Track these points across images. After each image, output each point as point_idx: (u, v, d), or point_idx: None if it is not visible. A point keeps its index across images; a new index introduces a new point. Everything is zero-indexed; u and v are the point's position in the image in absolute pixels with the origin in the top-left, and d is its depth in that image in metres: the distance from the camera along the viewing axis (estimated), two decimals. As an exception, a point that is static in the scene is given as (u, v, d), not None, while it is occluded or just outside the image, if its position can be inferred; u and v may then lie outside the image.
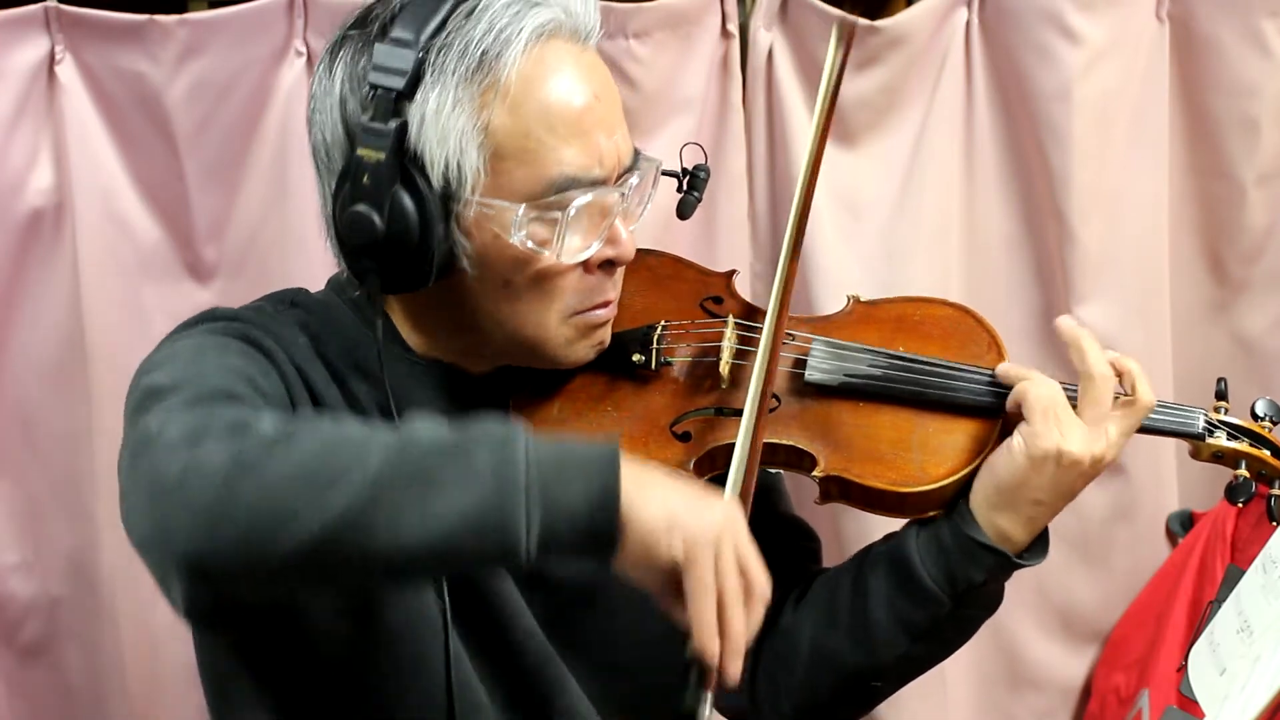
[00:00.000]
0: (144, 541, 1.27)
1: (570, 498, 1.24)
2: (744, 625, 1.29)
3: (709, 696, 1.27)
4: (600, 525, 1.25)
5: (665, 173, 1.56)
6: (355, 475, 1.22)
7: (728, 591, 1.28)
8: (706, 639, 1.28)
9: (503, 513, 1.22)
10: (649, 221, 1.55)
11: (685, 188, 1.58)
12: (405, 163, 1.41)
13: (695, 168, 1.58)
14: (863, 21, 2.19)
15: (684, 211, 1.58)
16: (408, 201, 1.41)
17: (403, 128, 1.41)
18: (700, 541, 1.27)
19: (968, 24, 2.26)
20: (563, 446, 1.27)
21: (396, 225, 1.40)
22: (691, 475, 1.50)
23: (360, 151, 1.40)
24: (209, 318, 1.51)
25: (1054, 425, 1.47)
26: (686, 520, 1.27)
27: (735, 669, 1.29)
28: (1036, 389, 1.49)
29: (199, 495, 1.22)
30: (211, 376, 1.37)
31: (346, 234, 1.42)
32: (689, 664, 1.29)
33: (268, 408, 1.37)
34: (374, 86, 1.40)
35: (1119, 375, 1.52)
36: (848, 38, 1.63)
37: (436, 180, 1.42)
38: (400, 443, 1.25)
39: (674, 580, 1.28)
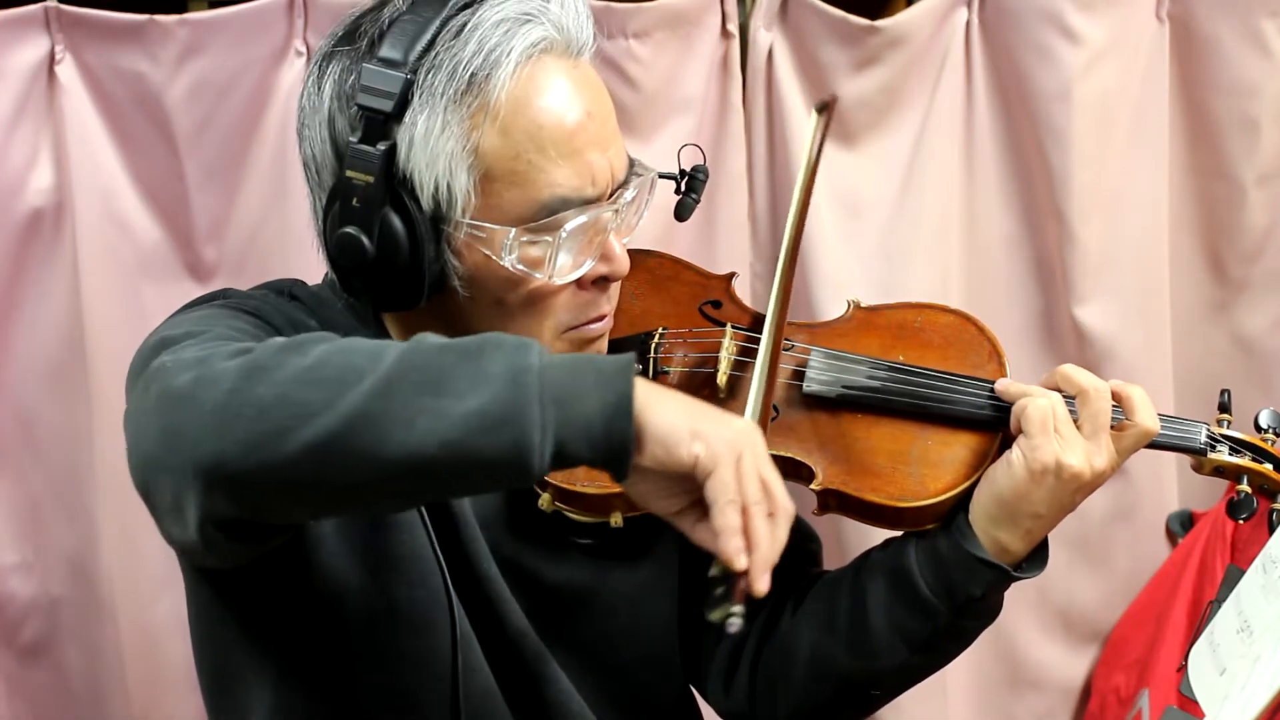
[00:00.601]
0: (152, 460, 1.25)
1: (585, 405, 1.21)
2: (770, 536, 1.23)
3: (740, 609, 1.21)
4: (615, 433, 1.21)
5: (663, 175, 1.55)
6: (368, 374, 1.20)
7: (751, 498, 1.23)
8: (733, 547, 1.22)
9: (516, 415, 1.19)
10: (649, 222, 1.55)
11: (683, 190, 1.57)
12: (394, 185, 1.40)
13: (694, 169, 1.57)
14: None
15: (682, 214, 1.57)
16: (397, 224, 1.40)
17: (391, 150, 1.39)
18: (722, 444, 1.22)
19: (968, 24, 2.26)
20: (578, 357, 1.24)
21: (386, 248, 1.40)
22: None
23: (349, 173, 1.39)
24: (221, 295, 1.51)
25: (1053, 438, 1.46)
26: (706, 426, 1.23)
27: (763, 583, 1.22)
28: (1036, 402, 1.48)
29: (209, 398, 1.21)
30: (222, 332, 1.36)
31: (337, 255, 1.42)
32: (713, 579, 1.24)
33: None
34: (362, 108, 1.39)
35: (1119, 400, 1.51)
36: (829, 112, 1.62)
37: (426, 203, 1.41)
38: (413, 345, 1.23)
39: (694, 500, 1.25)
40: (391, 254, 1.40)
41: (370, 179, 1.39)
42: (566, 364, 1.22)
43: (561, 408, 1.20)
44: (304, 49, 2.12)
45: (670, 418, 1.22)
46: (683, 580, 1.65)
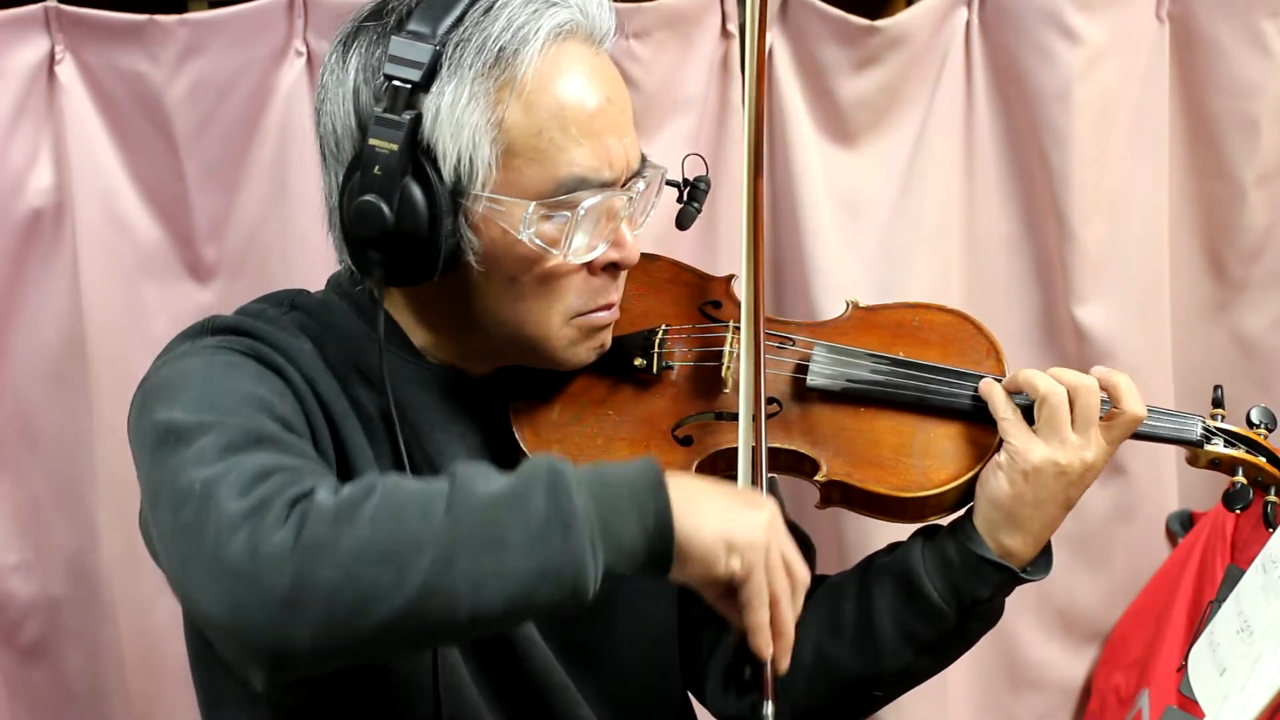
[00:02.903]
0: (217, 627, 1.27)
1: (629, 535, 1.27)
2: (793, 619, 1.36)
3: (770, 707, 1.36)
4: (658, 555, 1.29)
5: (667, 182, 1.56)
6: (427, 543, 1.23)
7: (780, 593, 1.34)
8: (764, 643, 1.34)
9: (574, 564, 1.25)
10: (650, 223, 1.56)
11: (685, 198, 1.59)
12: (417, 155, 1.41)
13: (696, 179, 1.59)
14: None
15: (683, 222, 1.59)
16: (418, 194, 1.41)
17: (417, 120, 1.41)
18: (754, 554, 1.31)
19: (968, 24, 2.26)
20: (608, 478, 1.29)
21: (405, 217, 1.41)
22: None
23: (372, 141, 1.40)
24: (210, 329, 1.49)
25: (1033, 441, 1.49)
26: (738, 536, 1.31)
27: (786, 662, 1.36)
28: (1009, 407, 1.50)
29: (273, 583, 1.22)
30: (233, 413, 1.36)
31: (354, 224, 1.42)
32: (741, 664, 1.36)
33: (295, 441, 1.37)
34: (389, 78, 1.41)
35: (1106, 389, 1.52)
36: None
37: (448, 174, 1.42)
38: (459, 503, 1.25)
39: (728, 587, 1.32)
40: (410, 223, 1.41)
41: (394, 147, 1.40)
42: (602, 493, 1.28)
43: (609, 542, 1.27)
44: (304, 49, 2.12)
45: (705, 535, 1.30)
46: None
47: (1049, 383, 1.50)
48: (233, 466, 1.29)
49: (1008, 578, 1.52)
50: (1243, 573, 1.56)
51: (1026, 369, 1.53)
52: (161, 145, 2.13)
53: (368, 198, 1.40)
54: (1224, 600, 1.55)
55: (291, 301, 1.55)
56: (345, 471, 1.46)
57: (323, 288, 1.58)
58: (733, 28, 2.21)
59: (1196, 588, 2.34)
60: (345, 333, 1.52)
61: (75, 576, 2.25)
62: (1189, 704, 1.62)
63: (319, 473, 1.34)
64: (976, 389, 1.54)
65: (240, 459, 1.30)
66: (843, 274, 2.26)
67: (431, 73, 1.41)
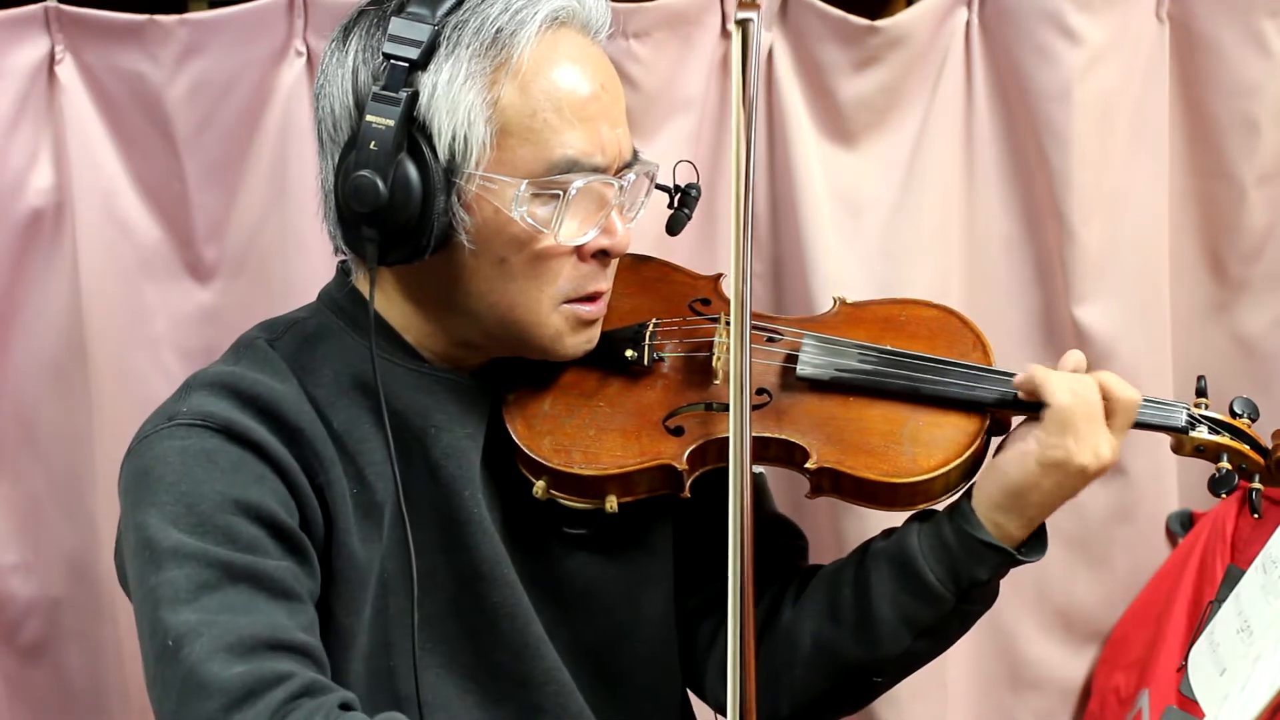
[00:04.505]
0: None
1: None
2: None
3: None
4: None
5: (658, 187, 1.58)
6: None
7: None
8: None
9: None
10: (649, 223, 1.56)
11: (676, 204, 1.60)
12: (413, 131, 1.43)
13: (687, 186, 1.60)
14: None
15: (674, 228, 1.61)
16: (412, 171, 1.43)
17: (413, 96, 1.43)
18: None
19: (968, 24, 2.26)
20: None
21: (399, 193, 1.43)
22: (685, 468, 1.51)
23: (369, 118, 1.42)
24: (195, 385, 1.50)
25: (1069, 436, 1.49)
26: None
27: None
28: (1059, 398, 1.50)
29: None
30: (209, 527, 1.38)
31: (349, 199, 1.44)
32: None
33: (270, 562, 1.39)
34: (388, 57, 1.43)
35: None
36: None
37: (442, 151, 1.44)
38: None
39: None
40: (404, 199, 1.43)
41: (390, 123, 1.42)
42: None
43: None
44: (304, 49, 2.12)
45: None
46: (677, 570, 1.66)
47: (1073, 385, 1.51)
48: (208, 622, 1.33)
49: (1005, 559, 1.53)
50: (1243, 573, 1.56)
51: (1039, 367, 1.55)
52: (161, 145, 2.13)
53: (363, 173, 1.42)
54: (1224, 600, 1.56)
55: (287, 328, 1.56)
56: (330, 534, 1.47)
57: (315, 300, 1.59)
58: (732, 28, 2.20)
59: (1196, 588, 2.34)
60: (342, 352, 1.53)
61: (75, 576, 2.25)
62: (1189, 704, 1.62)
63: (301, 626, 1.38)
64: (967, 377, 1.55)
65: (216, 609, 1.34)
66: (843, 273, 2.26)
67: (430, 52, 1.43)
